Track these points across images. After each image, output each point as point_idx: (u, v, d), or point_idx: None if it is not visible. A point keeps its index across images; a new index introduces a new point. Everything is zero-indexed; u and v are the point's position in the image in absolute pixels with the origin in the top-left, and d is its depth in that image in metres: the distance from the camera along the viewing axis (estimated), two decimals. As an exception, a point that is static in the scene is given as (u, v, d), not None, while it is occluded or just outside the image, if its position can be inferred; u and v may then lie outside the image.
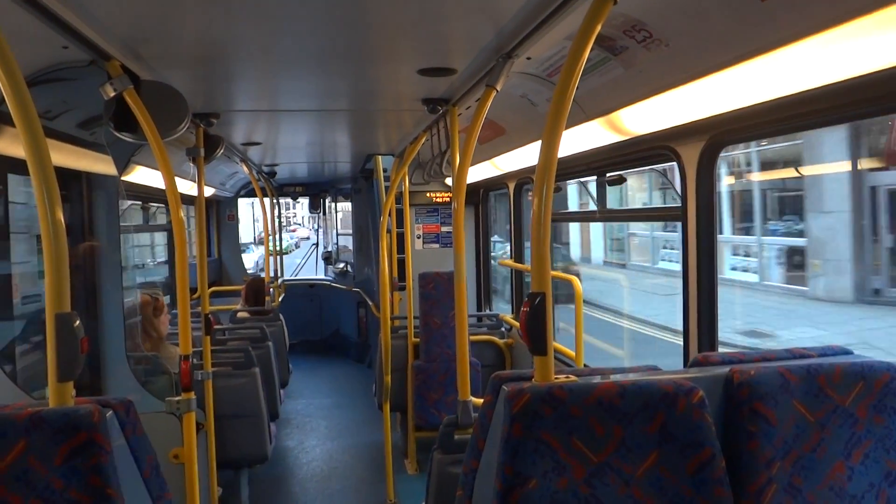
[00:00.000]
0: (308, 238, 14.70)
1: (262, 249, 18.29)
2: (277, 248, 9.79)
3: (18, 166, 3.12)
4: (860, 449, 1.93)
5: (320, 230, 13.86)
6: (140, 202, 7.08)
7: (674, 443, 1.81)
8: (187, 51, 2.84)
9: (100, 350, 3.97)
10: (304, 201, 13.58)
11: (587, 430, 1.79)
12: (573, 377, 1.92)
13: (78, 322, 1.72)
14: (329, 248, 13.24)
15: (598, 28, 1.79)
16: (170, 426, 3.10)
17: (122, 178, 4.08)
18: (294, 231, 37.24)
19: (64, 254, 1.71)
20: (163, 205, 7.42)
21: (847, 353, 2.19)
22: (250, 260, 11.80)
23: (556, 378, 1.91)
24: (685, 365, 2.91)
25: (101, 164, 4.15)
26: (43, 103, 1.69)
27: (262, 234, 9.58)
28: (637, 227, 17.26)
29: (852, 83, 1.94)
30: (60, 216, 1.71)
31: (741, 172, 13.77)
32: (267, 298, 7.37)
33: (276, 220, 9.55)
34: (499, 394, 1.92)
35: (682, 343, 3.22)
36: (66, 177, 3.94)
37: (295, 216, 41.23)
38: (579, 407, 1.78)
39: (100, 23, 2.29)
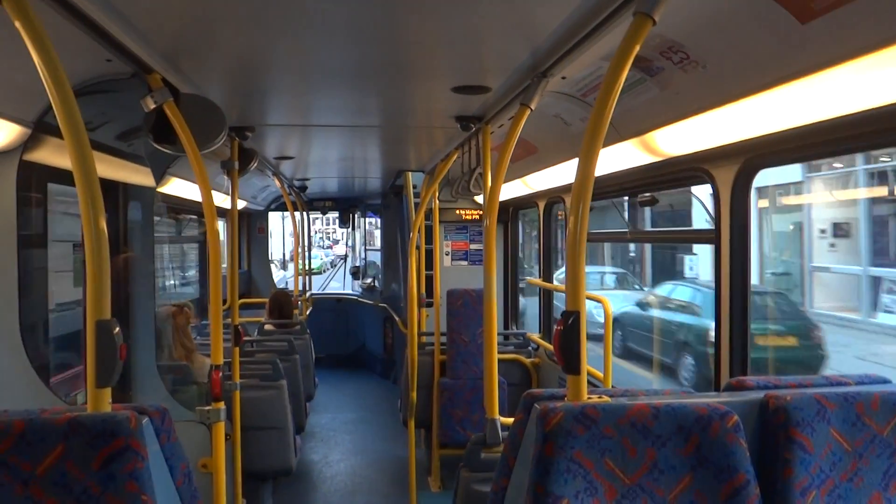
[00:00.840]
0: (348, 256, 14.54)
1: (285, 271, 17.91)
2: (305, 268, 9.74)
3: (58, 176, 3.19)
4: None
5: (349, 245, 13.86)
6: (172, 213, 7.17)
7: (707, 467, 1.79)
8: (226, 65, 2.89)
9: (131, 359, 4.01)
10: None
11: (620, 451, 1.77)
12: (606, 397, 1.91)
13: (118, 329, 1.74)
14: (357, 264, 13.28)
15: (637, 49, 1.78)
16: (196, 436, 3.12)
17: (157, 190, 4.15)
18: (332, 248, 35.40)
19: (106, 262, 1.74)
20: (194, 216, 7.51)
21: (885, 381, 2.15)
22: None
23: (588, 398, 1.89)
24: (717, 389, 2.87)
25: (137, 175, 4.22)
26: (85, 114, 1.74)
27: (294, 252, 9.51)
28: (825, 257, 11.73)
29: (893, 108, 1.92)
30: (104, 225, 1.74)
31: None
32: (295, 311, 7.40)
33: (307, 234, 9.57)
34: (530, 412, 1.91)
35: None
36: (105, 187, 4.01)
37: (335, 231, 38.08)
38: (613, 427, 1.77)
39: (143, 36, 2.34)
